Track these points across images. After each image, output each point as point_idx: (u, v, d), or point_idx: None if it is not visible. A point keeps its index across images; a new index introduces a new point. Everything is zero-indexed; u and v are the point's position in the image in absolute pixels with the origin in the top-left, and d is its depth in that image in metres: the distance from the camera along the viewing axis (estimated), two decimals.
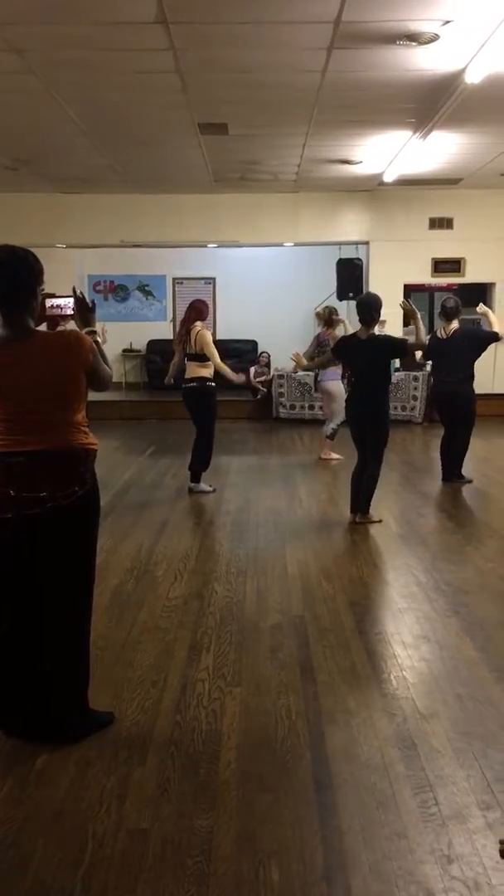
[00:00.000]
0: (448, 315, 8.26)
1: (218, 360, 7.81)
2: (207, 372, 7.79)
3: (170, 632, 4.48)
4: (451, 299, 8.43)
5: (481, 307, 8.68)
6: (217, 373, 7.85)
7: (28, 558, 3.21)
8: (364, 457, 6.85)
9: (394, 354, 7.14)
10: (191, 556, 5.97)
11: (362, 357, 6.74)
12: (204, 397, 7.84)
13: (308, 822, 2.79)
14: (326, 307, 10.11)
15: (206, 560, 5.89)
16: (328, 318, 9.88)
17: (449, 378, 8.23)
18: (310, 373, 12.67)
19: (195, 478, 8.00)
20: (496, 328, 8.30)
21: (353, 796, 2.93)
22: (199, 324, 7.79)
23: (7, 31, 6.10)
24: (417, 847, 2.65)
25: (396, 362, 11.78)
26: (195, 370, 7.80)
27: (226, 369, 7.91)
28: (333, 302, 12.53)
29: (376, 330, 6.84)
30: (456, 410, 8.30)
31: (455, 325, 8.23)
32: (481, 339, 8.36)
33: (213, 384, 7.85)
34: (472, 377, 8.25)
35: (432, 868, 2.55)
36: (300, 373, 13.33)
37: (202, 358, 7.74)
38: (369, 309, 6.70)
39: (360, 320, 6.77)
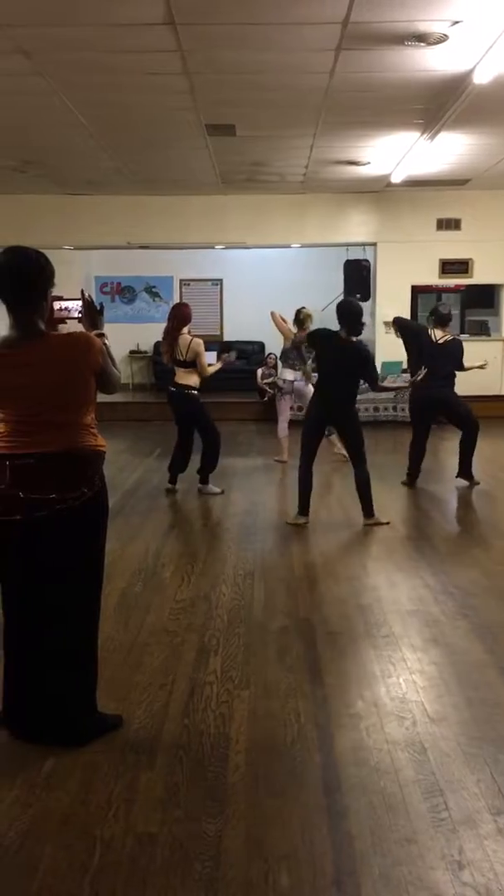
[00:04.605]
0: (443, 322, 8.18)
1: (207, 370, 7.80)
2: (193, 380, 7.81)
3: (177, 634, 4.47)
4: (445, 305, 8.37)
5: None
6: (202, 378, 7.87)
7: (36, 560, 3.20)
8: (308, 457, 6.81)
9: (361, 375, 6.76)
10: (198, 558, 5.96)
11: (334, 359, 6.67)
12: (187, 404, 7.89)
13: (317, 826, 2.78)
14: (299, 310, 9.81)
15: (214, 562, 5.88)
16: (298, 318, 9.62)
17: (437, 382, 7.94)
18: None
19: (204, 479, 8.01)
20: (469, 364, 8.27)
21: (363, 800, 2.92)
22: (185, 330, 7.80)
23: (14, 33, 6.10)
24: (428, 852, 2.63)
25: None
26: (182, 376, 7.84)
27: (213, 370, 7.92)
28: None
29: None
30: (450, 413, 8.27)
31: (447, 333, 8.15)
32: (460, 355, 8.18)
33: (196, 391, 7.85)
34: (454, 383, 8.18)
35: (443, 874, 2.53)
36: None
37: (190, 365, 7.77)
38: (342, 317, 6.67)
39: (342, 328, 6.68)
